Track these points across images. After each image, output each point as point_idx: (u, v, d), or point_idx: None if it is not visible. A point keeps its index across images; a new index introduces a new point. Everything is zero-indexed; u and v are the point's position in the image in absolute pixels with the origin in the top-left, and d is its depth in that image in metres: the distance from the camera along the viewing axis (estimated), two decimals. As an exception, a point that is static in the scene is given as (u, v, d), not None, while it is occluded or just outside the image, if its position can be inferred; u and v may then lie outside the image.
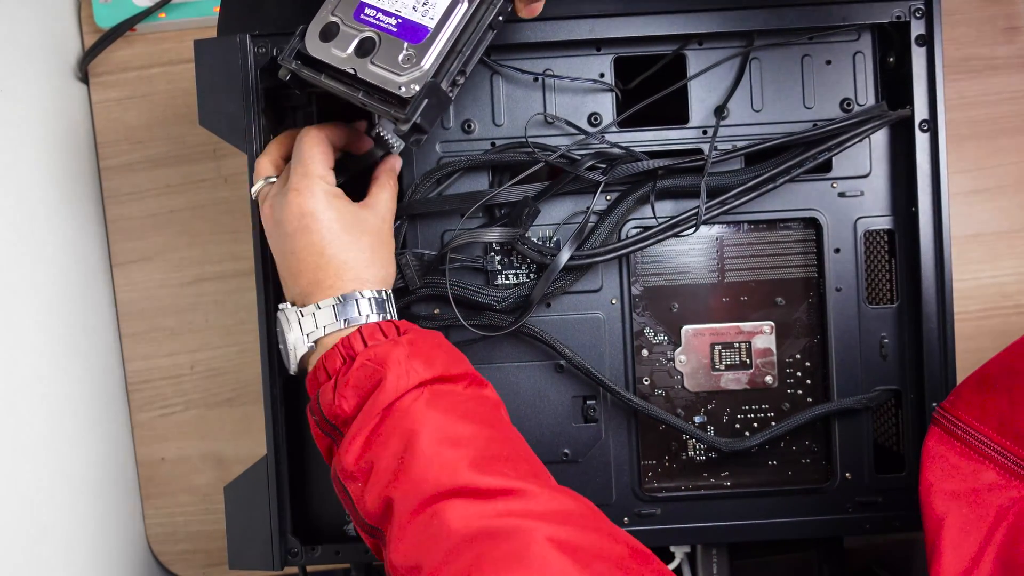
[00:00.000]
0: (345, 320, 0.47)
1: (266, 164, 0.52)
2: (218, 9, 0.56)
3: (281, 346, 0.50)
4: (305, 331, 0.48)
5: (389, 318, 0.49)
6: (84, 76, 0.72)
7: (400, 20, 0.46)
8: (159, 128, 0.72)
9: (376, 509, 0.44)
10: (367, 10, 0.47)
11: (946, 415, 0.49)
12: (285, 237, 0.49)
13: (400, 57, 0.45)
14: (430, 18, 0.46)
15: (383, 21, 0.46)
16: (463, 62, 0.46)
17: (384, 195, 0.51)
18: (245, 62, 0.54)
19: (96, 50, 0.71)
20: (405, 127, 0.45)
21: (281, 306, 0.50)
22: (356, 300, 0.48)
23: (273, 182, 0.52)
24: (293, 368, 0.50)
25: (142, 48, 0.72)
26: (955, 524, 0.45)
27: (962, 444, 0.48)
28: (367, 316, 0.48)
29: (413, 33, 0.46)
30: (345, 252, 0.48)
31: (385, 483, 0.43)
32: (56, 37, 0.70)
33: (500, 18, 0.47)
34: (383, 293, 0.49)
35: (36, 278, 0.63)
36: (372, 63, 0.46)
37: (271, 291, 0.55)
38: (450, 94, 0.46)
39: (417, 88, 0.44)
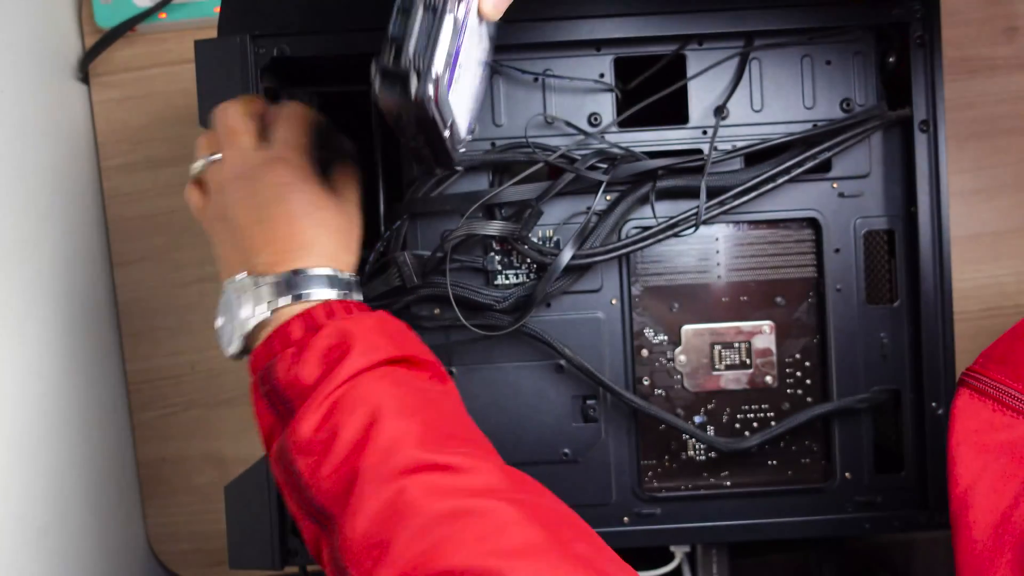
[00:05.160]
0: (308, 293, 0.46)
1: (207, 142, 0.51)
2: (218, 9, 0.56)
3: (221, 322, 0.48)
4: (266, 299, 0.46)
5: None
6: (84, 76, 0.72)
7: None
8: (159, 128, 0.72)
9: (334, 485, 0.41)
10: None
11: (976, 375, 0.49)
12: (257, 206, 0.47)
13: None
14: None
15: None
16: None
17: (353, 187, 0.53)
18: (245, 62, 0.54)
19: (97, 50, 0.71)
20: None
21: (232, 279, 0.48)
22: (325, 276, 0.47)
23: (216, 161, 0.50)
24: (236, 345, 0.47)
25: (142, 48, 0.72)
26: (992, 472, 0.46)
27: (995, 401, 0.48)
28: (331, 294, 0.48)
29: None
30: (316, 228, 0.48)
31: (348, 454, 0.41)
32: (56, 37, 0.70)
33: None
34: (350, 276, 0.49)
35: (36, 278, 0.63)
36: None
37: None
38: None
39: None
